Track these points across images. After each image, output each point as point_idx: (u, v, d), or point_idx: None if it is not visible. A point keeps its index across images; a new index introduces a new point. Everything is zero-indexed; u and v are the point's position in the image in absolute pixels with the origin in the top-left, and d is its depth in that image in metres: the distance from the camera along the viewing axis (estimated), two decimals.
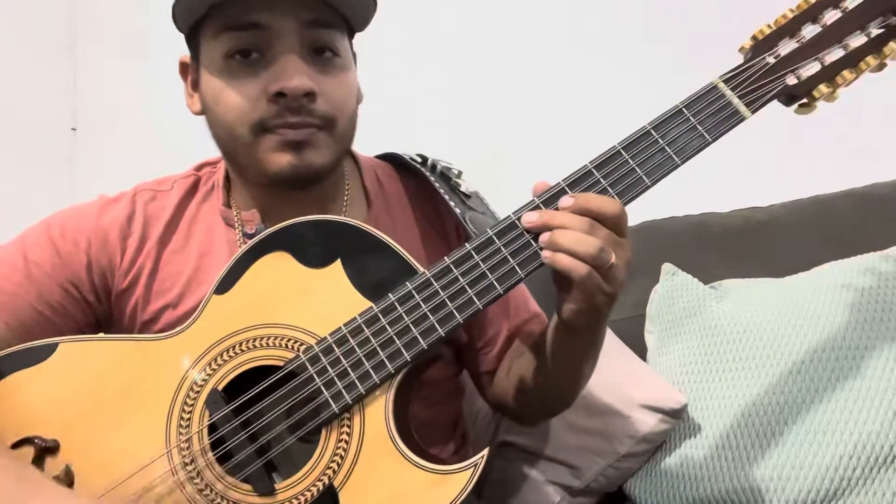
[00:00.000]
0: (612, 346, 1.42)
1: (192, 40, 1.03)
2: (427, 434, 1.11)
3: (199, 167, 1.18)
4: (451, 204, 1.06)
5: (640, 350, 1.48)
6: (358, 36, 1.10)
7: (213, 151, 1.16)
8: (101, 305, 1.10)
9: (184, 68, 1.08)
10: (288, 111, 0.96)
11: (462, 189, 1.10)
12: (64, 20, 2.49)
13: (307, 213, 1.06)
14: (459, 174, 1.13)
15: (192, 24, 1.00)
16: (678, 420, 1.31)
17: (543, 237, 0.86)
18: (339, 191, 1.13)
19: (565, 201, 0.87)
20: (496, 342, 1.16)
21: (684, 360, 1.39)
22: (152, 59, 2.35)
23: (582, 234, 0.84)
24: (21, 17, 2.39)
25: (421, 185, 1.14)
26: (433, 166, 1.12)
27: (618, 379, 1.33)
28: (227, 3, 0.95)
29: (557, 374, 1.04)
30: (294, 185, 1.01)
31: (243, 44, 0.96)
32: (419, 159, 1.14)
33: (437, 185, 1.08)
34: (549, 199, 0.89)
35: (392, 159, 1.21)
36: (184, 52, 1.08)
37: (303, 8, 0.96)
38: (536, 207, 0.89)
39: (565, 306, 0.90)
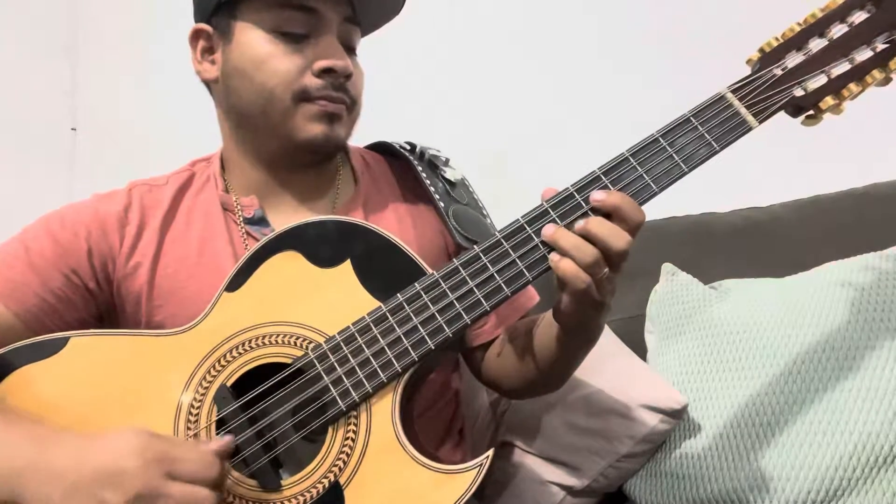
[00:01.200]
0: (612, 346, 1.42)
1: (225, 7, 1.06)
2: (425, 430, 1.12)
3: (193, 163, 1.21)
4: (437, 198, 1.10)
5: (640, 350, 1.48)
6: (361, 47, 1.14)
7: (212, 151, 1.17)
8: (103, 293, 1.10)
9: (196, 35, 1.11)
10: (332, 86, 1.04)
11: (447, 176, 1.14)
12: (64, 20, 2.48)
13: (303, 196, 1.12)
14: (447, 161, 1.17)
15: None
16: (678, 420, 1.31)
17: (547, 231, 0.89)
18: (332, 175, 1.17)
19: (598, 195, 0.88)
20: (487, 318, 1.17)
21: (684, 360, 1.40)
22: (152, 59, 2.34)
23: (583, 242, 0.86)
24: (21, 17, 2.38)
25: (408, 169, 1.17)
26: (421, 154, 1.16)
27: (618, 379, 1.33)
28: None
29: (548, 362, 1.06)
30: (316, 154, 1.09)
31: (297, 24, 1.04)
32: (407, 146, 1.19)
33: (423, 175, 1.13)
34: (558, 203, 0.91)
35: (379, 148, 1.25)
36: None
37: (345, 3, 1.06)
38: (545, 211, 0.91)
39: (559, 306, 0.93)
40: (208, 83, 1.13)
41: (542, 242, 0.90)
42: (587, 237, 0.86)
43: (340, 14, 1.06)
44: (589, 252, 0.86)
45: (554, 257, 0.87)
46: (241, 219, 1.11)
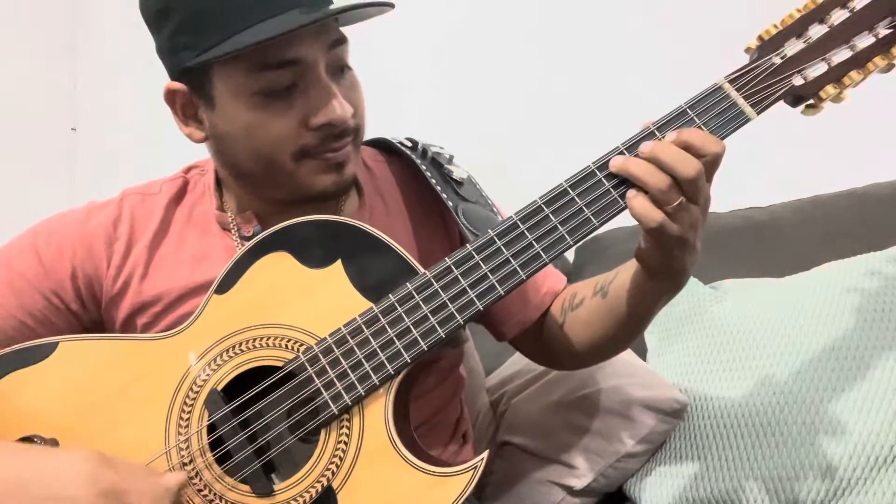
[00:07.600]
0: None
1: (201, 71, 0.97)
2: (429, 435, 1.11)
3: (187, 170, 1.17)
4: (444, 196, 1.06)
5: (640, 350, 1.48)
6: (356, 39, 1.10)
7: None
8: (88, 313, 1.09)
9: (172, 96, 1.02)
10: (332, 138, 0.98)
11: (454, 176, 1.09)
12: (64, 20, 2.49)
13: (305, 212, 1.06)
14: (451, 159, 1.12)
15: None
16: (678, 420, 1.30)
17: (616, 162, 0.87)
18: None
19: (647, 146, 0.86)
20: (538, 293, 1.15)
21: (684, 360, 1.39)
22: (152, 60, 2.34)
23: (654, 170, 0.84)
24: (21, 17, 2.39)
25: (410, 167, 1.13)
26: (423, 151, 1.11)
27: (618, 379, 1.33)
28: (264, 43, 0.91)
29: (626, 316, 1.02)
30: (331, 199, 1.05)
31: (283, 82, 0.95)
32: (409, 143, 1.14)
33: (427, 174, 1.08)
34: (551, 199, 0.90)
35: (378, 144, 1.20)
36: None
37: (323, 31, 0.96)
38: (538, 208, 0.90)
39: (641, 248, 0.91)
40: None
41: (536, 240, 0.89)
42: (655, 163, 0.84)
43: (325, 46, 0.96)
44: (660, 178, 0.83)
45: (630, 194, 0.85)
46: (238, 237, 1.09)
